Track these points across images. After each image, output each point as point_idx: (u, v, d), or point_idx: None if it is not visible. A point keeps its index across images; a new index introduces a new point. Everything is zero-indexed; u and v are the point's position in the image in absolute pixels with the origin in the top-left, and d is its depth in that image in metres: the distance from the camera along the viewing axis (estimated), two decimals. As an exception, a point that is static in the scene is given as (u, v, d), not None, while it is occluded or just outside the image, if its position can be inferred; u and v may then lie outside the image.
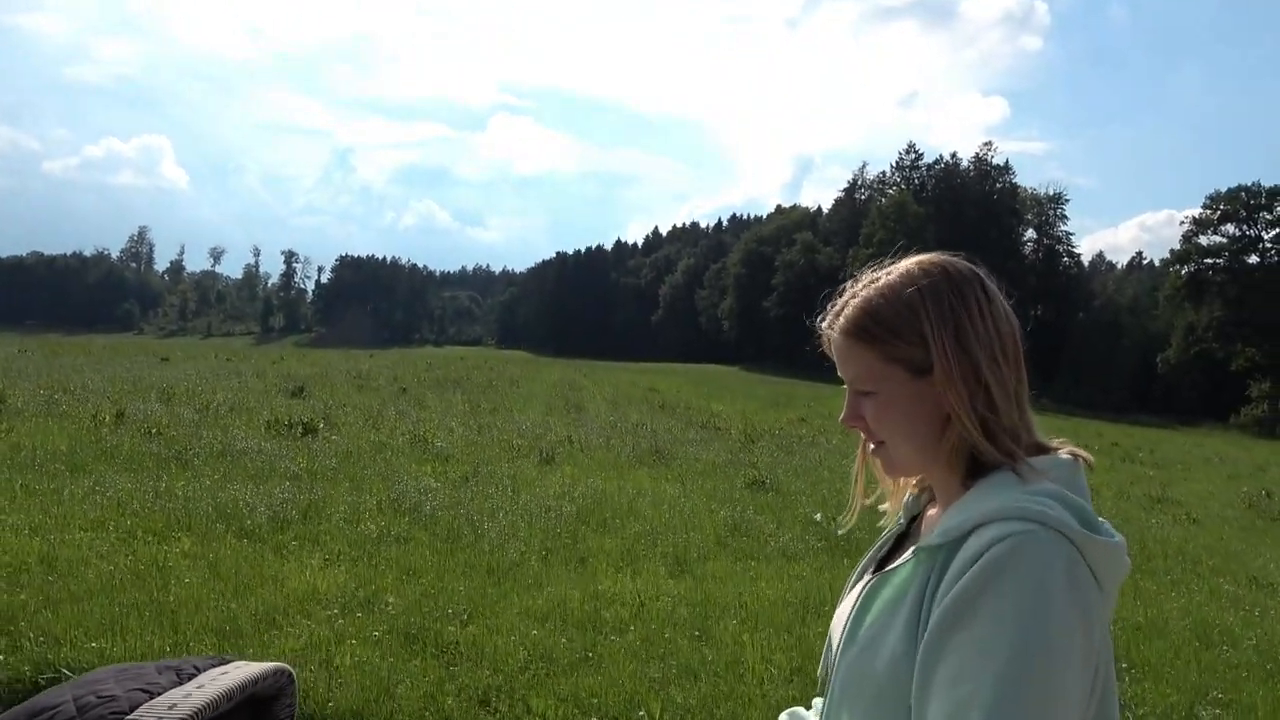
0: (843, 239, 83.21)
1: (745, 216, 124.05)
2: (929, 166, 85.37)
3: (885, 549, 1.27)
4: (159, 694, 0.80)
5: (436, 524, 6.86)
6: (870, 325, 1.11)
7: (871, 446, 1.19)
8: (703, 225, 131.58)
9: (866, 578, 1.19)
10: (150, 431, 10.67)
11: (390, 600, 4.78)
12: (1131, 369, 65.83)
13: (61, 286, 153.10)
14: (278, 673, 0.91)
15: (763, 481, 10.81)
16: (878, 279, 1.14)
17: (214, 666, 0.86)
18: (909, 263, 1.14)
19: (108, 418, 11.74)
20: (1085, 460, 1.10)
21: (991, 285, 1.14)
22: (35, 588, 4.46)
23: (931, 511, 1.21)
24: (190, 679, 0.84)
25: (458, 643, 4.21)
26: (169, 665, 0.85)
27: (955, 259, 1.15)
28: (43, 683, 3.35)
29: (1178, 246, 63.14)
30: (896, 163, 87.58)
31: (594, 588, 5.38)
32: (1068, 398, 61.37)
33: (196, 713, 0.78)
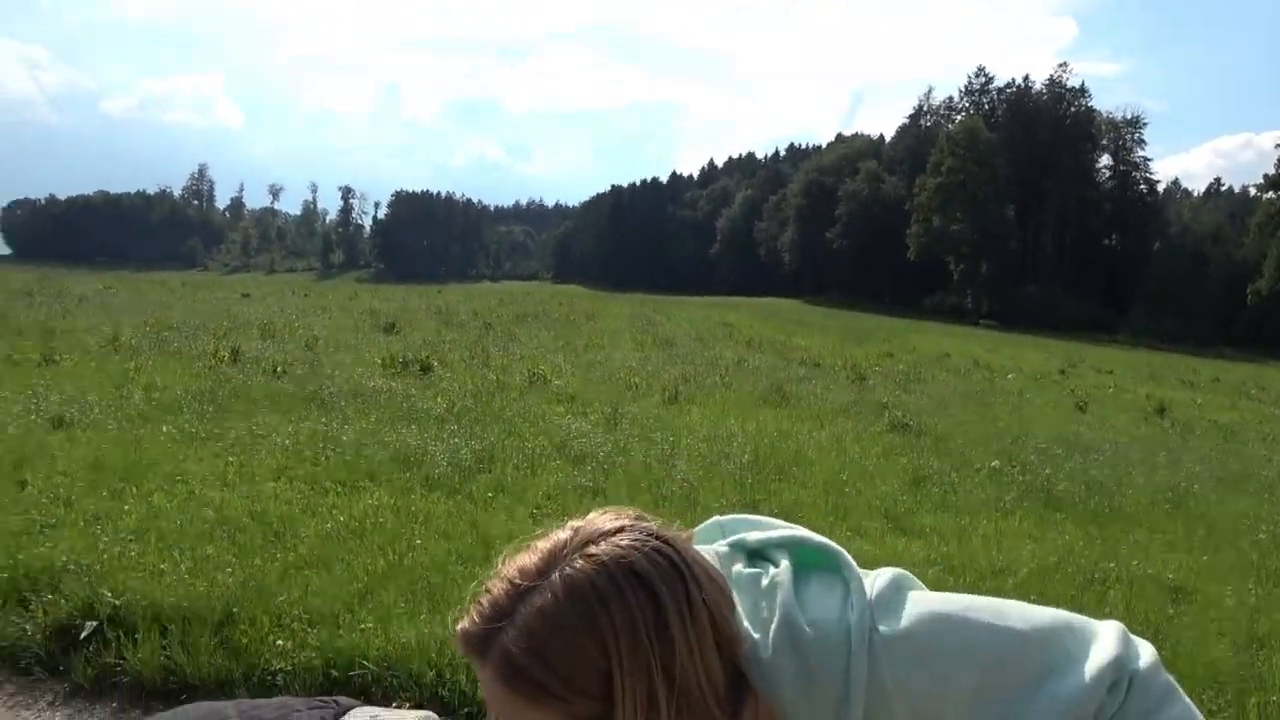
0: (908, 168, 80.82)
1: (804, 146, 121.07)
2: (1000, 90, 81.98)
3: None
4: None
5: (615, 470, 6.45)
6: (539, 675, 0.80)
7: None
8: (759, 156, 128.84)
9: None
10: (274, 370, 10.43)
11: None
12: (1215, 300, 63.28)
13: (127, 224, 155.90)
14: None
15: (906, 424, 10.25)
16: (545, 591, 0.81)
17: (358, 706, 0.81)
18: (585, 561, 0.82)
19: (225, 355, 11.55)
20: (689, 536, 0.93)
21: (698, 572, 0.85)
22: (258, 549, 4.12)
23: None
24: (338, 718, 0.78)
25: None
26: (318, 703, 0.78)
27: (649, 541, 0.84)
28: (354, 679, 3.00)
29: (1269, 171, 60.10)
30: (965, 87, 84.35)
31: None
32: (1146, 330, 59.44)
33: None
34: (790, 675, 0.90)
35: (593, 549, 0.83)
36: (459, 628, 0.85)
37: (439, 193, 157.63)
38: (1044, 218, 75.16)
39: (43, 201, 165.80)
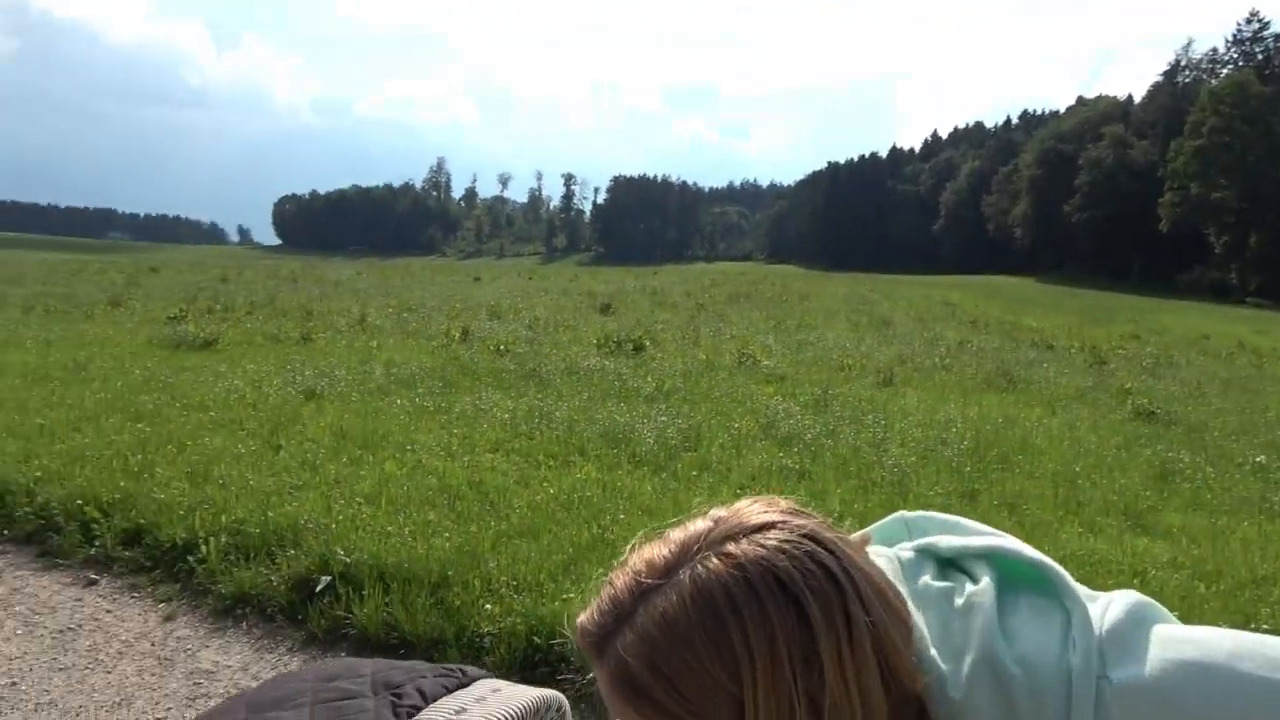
0: (1162, 130, 73.07)
1: (1038, 112, 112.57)
2: (1276, 38, 72.13)
3: None
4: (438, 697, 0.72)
5: (822, 453, 6.27)
6: (658, 694, 0.67)
7: None
8: (988, 125, 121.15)
9: None
10: (498, 349, 11.00)
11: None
12: None
13: (375, 215, 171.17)
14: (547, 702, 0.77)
15: (1153, 412, 9.27)
16: (669, 593, 0.68)
17: (484, 678, 0.77)
18: (720, 561, 0.68)
19: (456, 335, 12.34)
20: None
21: (863, 586, 0.69)
22: (473, 517, 4.35)
23: None
24: (461, 687, 0.75)
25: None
26: (443, 671, 0.77)
27: (802, 544, 0.68)
28: (554, 647, 3.11)
29: None
30: (1234, 36, 74.93)
31: (1055, 546, 4.51)
32: None
33: None
34: None
35: (731, 546, 0.69)
36: (578, 621, 0.74)
37: (655, 176, 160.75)
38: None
39: (306, 196, 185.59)
